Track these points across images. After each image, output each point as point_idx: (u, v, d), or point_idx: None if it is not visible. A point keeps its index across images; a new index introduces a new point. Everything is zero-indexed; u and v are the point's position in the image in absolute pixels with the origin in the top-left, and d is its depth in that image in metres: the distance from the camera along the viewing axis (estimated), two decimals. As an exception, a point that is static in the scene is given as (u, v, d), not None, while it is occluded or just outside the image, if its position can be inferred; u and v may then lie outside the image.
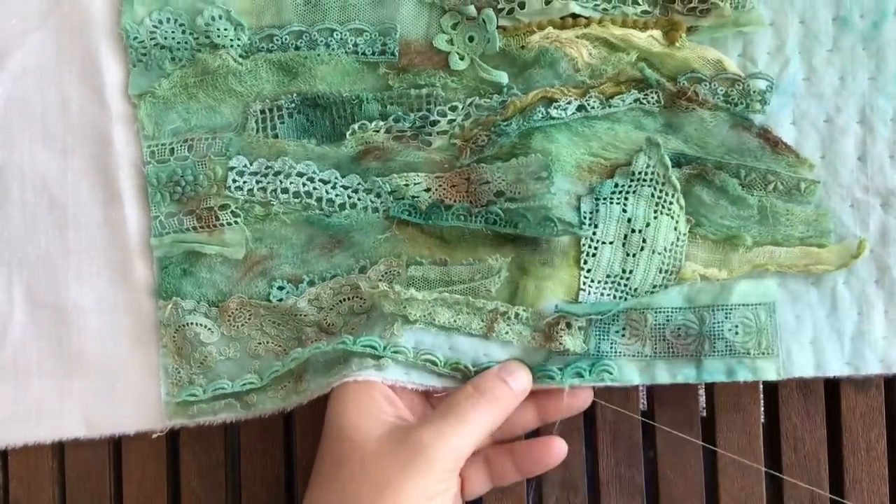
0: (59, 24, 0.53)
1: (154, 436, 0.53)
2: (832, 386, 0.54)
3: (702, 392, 0.55)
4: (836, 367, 0.52)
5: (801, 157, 0.52)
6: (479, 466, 0.51)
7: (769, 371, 0.51)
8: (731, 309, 0.51)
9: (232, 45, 0.53)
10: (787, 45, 0.52)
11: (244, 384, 0.53)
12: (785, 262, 0.52)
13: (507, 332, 0.51)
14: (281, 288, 0.53)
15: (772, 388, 0.54)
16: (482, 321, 0.51)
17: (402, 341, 0.51)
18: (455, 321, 0.51)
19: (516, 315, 0.51)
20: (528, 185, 0.51)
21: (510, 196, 0.51)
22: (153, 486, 0.55)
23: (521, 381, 0.49)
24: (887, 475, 0.53)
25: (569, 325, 0.51)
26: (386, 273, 0.52)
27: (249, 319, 0.53)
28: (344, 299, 0.53)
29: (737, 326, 0.51)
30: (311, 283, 0.53)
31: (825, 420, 0.54)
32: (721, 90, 0.52)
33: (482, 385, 0.48)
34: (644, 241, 0.52)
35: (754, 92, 0.52)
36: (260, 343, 0.53)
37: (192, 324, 0.53)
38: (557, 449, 0.51)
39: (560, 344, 0.51)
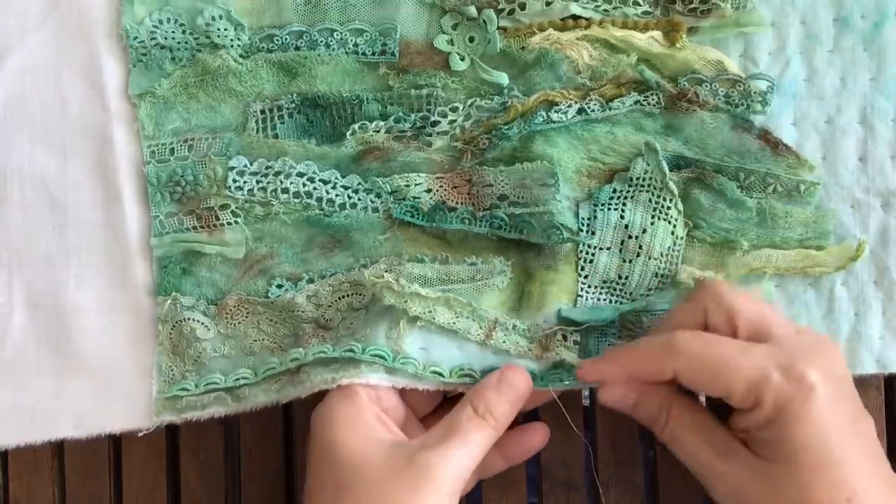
0: (59, 24, 0.53)
1: (140, 434, 0.53)
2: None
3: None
4: (830, 367, 0.52)
5: (801, 159, 0.52)
6: None
7: None
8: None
9: (232, 45, 0.53)
10: (788, 46, 0.52)
11: (237, 378, 0.52)
12: (782, 265, 0.52)
13: (504, 342, 0.51)
14: (280, 286, 0.53)
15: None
16: (481, 328, 0.51)
17: (410, 348, 0.50)
18: (455, 323, 0.51)
19: (514, 326, 0.51)
20: (532, 190, 0.51)
21: (514, 200, 0.51)
22: (153, 486, 0.55)
23: (520, 390, 0.49)
24: (887, 476, 0.53)
25: (564, 337, 0.51)
26: (387, 271, 0.52)
27: (247, 317, 0.53)
28: (343, 296, 0.53)
29: None
30: (311, 282, 0.53)
31: (825, 420, 0.54)
32: (722, 91, 0.52)
33: (482, 405, 0.48)
34: (640, 247, 0.52)
35: (755, 93, 0.52)
36: (255, 340, 0.53)
37: (189, 319, 0.53)
38: (542, 434, 0.52)
39: (556, 354, 0.51)
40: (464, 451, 0.46)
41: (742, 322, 0.46)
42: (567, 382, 0.50)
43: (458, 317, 0.51)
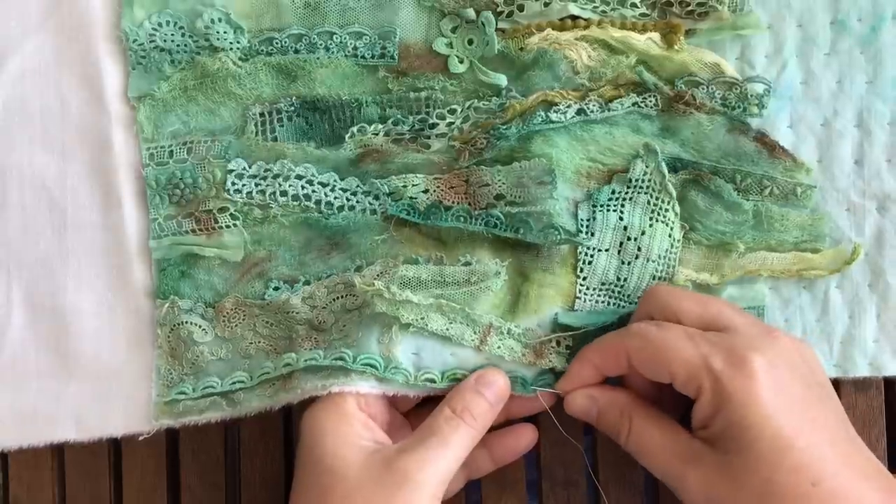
0: (59, 27, 0.53)
1: (140, 438, 0.53)
2: (832, 386, 0.54)
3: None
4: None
5: (798, 161, 0.52)
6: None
7: None
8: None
9: (231, 48, 0.53)
10: (785, 49, 0.52)
11: (234, 382, 0.52)
12: (777, 268, 0.52)
13: (498, 347, 0.51)
14: (276, 288, 0.53)
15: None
16: (475, 333, 0.51)
17: (402, 354, 0.50)
18: (448, 329, 0.51)
19: (509, 331, 0.51)
20: (529, 189, 0.51)
21: (511, 200, 0.51)
22: (153, 486, 0.56)
23: (499, 390, 0.49)
24: (886, 476, 0.54)
25: (557, 343, 0.51)
26: (381, 273, 0.52)
27: (244, 320, 0.53)
28: (337, 297, 0.53)
29: None
30: (307, 284, 0.53)
31: (824, 420, 0.54)
32: (718, 94, 0.52)
33: (460, 405, 0.48)
34: (639, 249, 0.52)
35: (752, 95, 0.52)
36: (251, 343, 0.53)
37: (186, 322, 0.53)
38: (530, 434, 0.52)
39: (549, 361, 0.51)
40: (444, 454, 0.46)
41: (687, 321, 0.47)
42: (553, 386, 0.51)
43: (451, 322, 0.51)
